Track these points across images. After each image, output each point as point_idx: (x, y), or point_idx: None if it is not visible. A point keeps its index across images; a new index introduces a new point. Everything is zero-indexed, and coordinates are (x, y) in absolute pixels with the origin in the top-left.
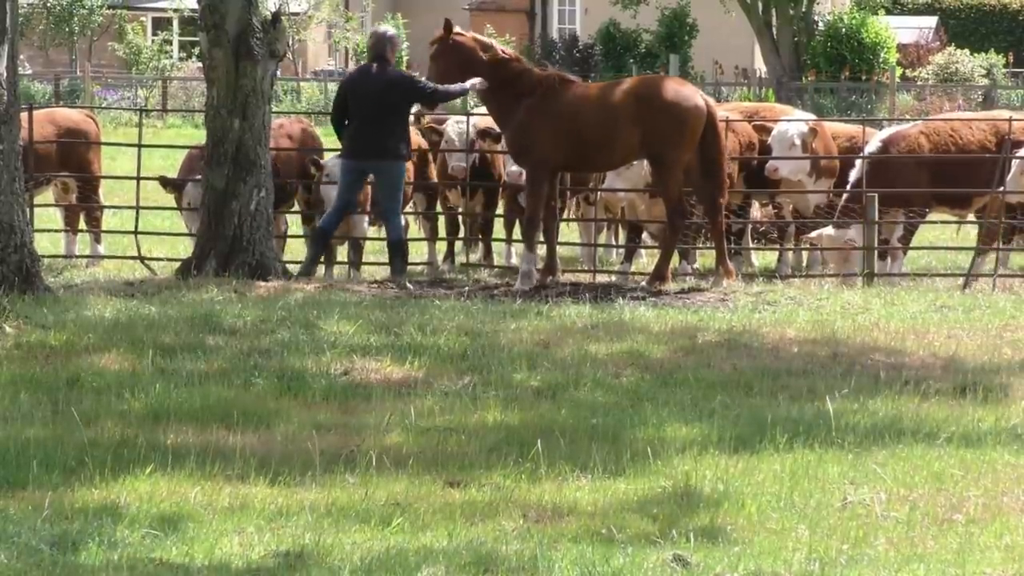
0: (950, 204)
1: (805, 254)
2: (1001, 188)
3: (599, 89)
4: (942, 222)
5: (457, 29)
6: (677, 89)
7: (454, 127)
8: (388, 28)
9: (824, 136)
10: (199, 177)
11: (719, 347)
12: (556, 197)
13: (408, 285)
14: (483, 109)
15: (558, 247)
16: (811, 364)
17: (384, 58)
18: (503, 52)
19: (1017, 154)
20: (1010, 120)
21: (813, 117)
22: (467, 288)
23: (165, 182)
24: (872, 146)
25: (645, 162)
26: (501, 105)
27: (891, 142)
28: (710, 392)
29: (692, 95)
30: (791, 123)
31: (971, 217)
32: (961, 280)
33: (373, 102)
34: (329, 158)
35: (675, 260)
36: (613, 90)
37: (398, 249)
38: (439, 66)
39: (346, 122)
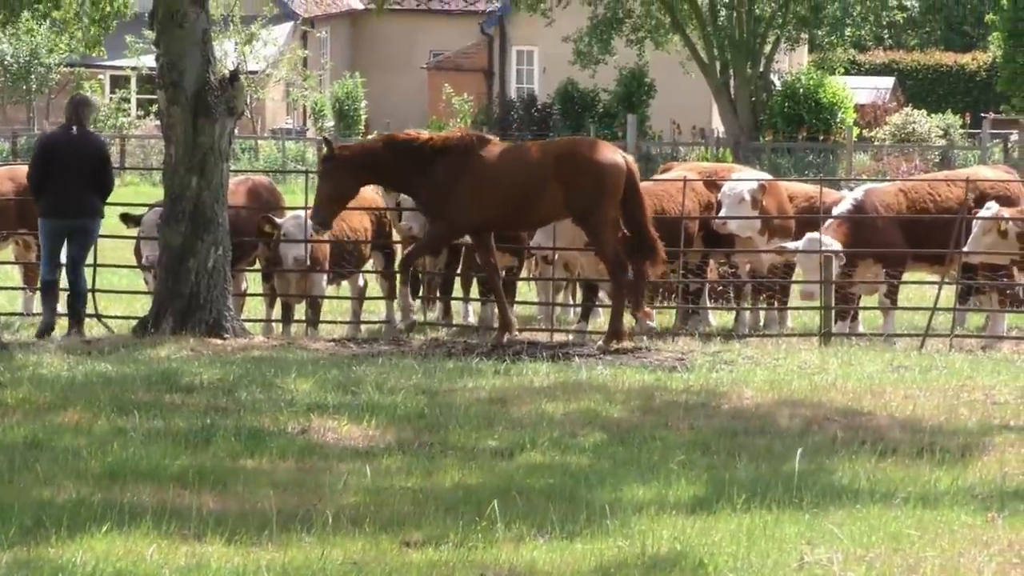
0: (930, 262)
1: (762, 314)
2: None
3: (519, 149)
4: (917, 283)
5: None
6: (596, 148)
7: None
8: (87, 95)
9: (779, 195)
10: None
11: (677, 407)
12: (495, 254)
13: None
14: None
15: (516, 305)
16: (768, 424)
17: (81, 123)
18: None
19: (978, 214)
20: (967, 180)
21: (769, 177)
22: (425, 346)
23: (126, 218)
24: (845, 205)
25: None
26: (412, 182)
27: (866, 201)
28: (668, 452)
29: (611, 153)
30: (741, 180)
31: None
32: (918, 340)
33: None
34: (286, 217)
35: (630, 319)
36: (532, 150)
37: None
38: (334, 181)
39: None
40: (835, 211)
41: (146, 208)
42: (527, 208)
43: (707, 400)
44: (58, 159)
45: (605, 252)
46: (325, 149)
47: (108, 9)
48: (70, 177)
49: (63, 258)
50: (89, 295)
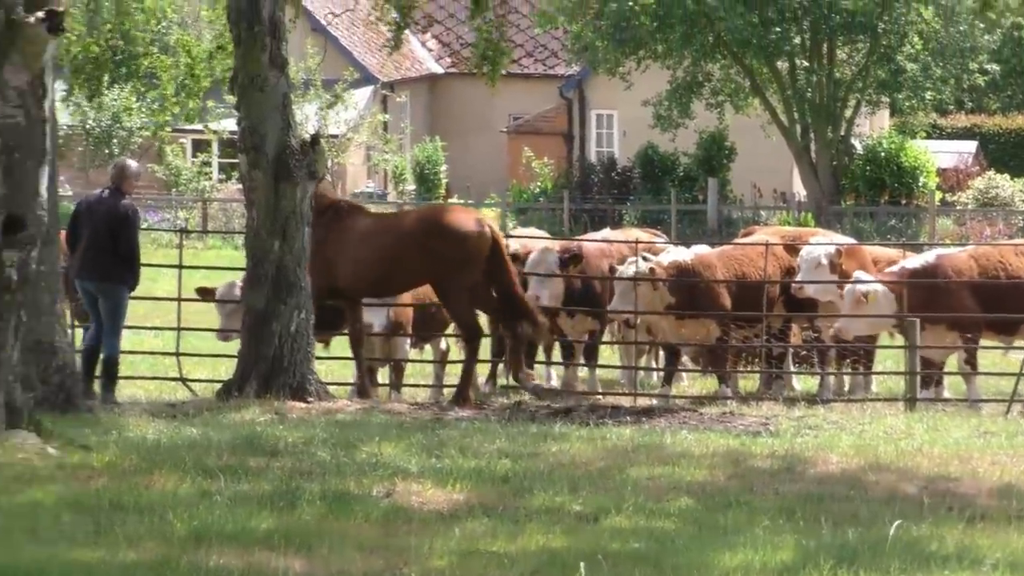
0: (997, 330)
1: (847, 378)
2: None
3: (387, 217)
4: (990, 347)
5: None
6: (456, 216)
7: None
8: (126, 160)
9: (862, 259)
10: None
11: (761, 472)
12: (362, 320)
13: (118, 401)
14: (521, 231)
15: (599, 369)
16: (854, 489)
17: (118, 186)
18: None
19: None
20: None
21: (852, 241)
22: (508, 410)
23: (202, 291)
24: (912, 264)
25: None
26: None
27: (938, 265)
28: (753, 517)
29: (471, 221)
30: (819, 244)
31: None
32: (1004, 405)
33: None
34: None
35: (715, 384)
36: (399, 219)
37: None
38: None
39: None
40: (901, 265)
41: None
42: (390, 275)
43: (792, 465)
44: (84, 222)
45: (457, 317)
46: None
47: (207, 83)
48: (89, 239)
49: None
50: (175, 359)
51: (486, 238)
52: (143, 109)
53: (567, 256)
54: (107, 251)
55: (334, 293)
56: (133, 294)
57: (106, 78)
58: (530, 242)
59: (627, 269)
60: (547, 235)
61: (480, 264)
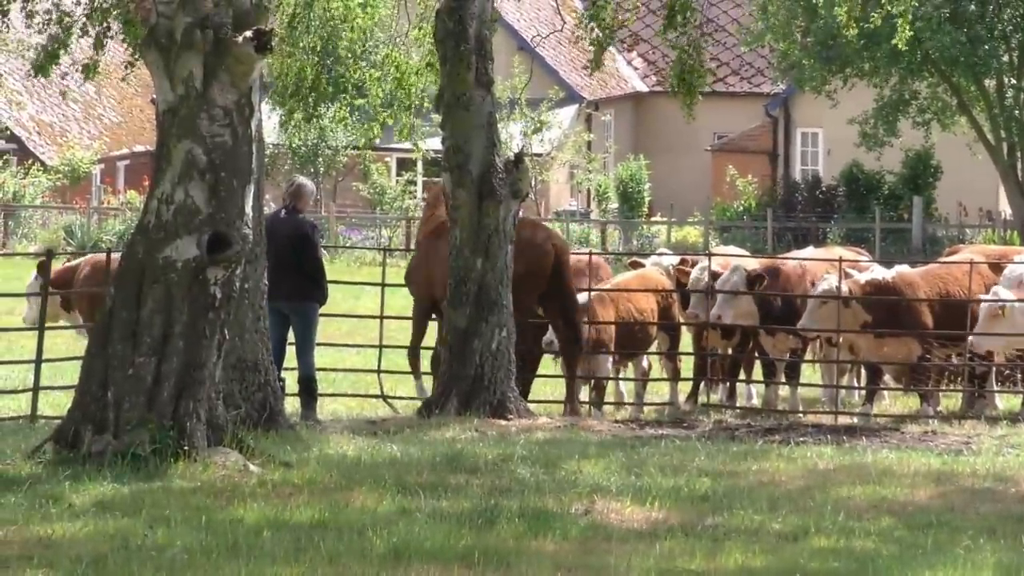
0: None
1: None
2: None
3: None
4: None
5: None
6: (523, 231)
7: (696, 272)
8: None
9: None
10: None
11: (963, 491)
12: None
13: (319, 419)
14: (723, 249)
15: (800, 388)
16: None
17: (294, 206)
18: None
19: None
20: None
21: None
22: (708, 428)
23: None
24: None
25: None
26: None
27: None
28: (954, 537)
29: (538, 237)
30: (1022, 264)
31: None
32: None
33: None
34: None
35: (917, 402)
36: None
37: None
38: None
39: None
40: None
41: None
42: None
43: (994, 485)
44: (269, 242)
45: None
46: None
47: (415, 98)
48: (274, 260)
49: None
50: (376, 376)
51: (549, 253)
52: (349, 125)
53: (754, 276)
54: (293, 270)
55: (436, 307)
56: (337, 312)
57: (311, 99)
58: (731, 260)
59: (819, 286)
60: (747, 253)
61: (544, 278)
